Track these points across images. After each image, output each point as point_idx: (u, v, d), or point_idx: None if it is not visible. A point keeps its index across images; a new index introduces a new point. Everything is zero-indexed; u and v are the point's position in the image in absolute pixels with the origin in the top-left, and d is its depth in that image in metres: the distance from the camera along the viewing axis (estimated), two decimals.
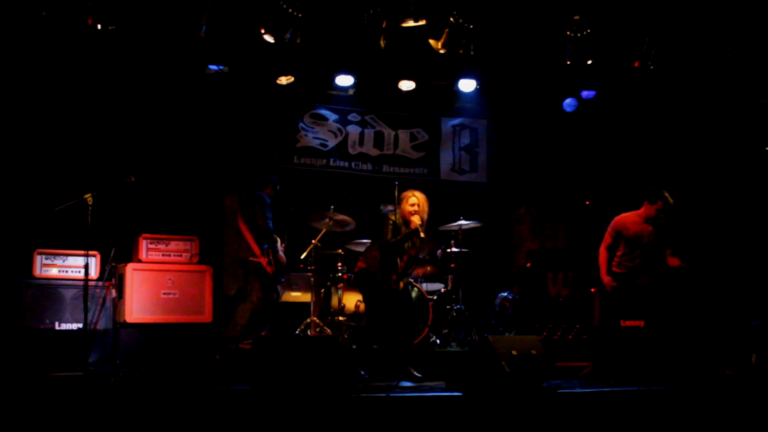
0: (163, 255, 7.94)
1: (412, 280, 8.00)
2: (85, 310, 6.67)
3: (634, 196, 7.31)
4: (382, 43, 7.35)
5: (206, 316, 7.92)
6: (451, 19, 7.39)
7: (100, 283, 7.74)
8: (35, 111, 8.01)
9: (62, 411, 5.11)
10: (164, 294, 7.82)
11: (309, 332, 7.76)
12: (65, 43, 7.05)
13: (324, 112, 9.48)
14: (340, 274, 8.05)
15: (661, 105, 9.08)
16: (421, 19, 7.30)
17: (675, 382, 6.67)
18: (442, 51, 7.53)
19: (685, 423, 6.00)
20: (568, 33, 7.66)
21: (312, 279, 8.11)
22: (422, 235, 6.85)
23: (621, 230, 7.15)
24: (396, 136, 9.73)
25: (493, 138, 10.09)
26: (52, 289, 7.59)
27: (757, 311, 8.08)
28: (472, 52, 7.54)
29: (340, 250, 8.22)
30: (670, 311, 7.43)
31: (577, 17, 7.64)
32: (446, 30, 7.45)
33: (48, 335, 7.46)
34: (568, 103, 9.34)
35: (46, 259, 7.66)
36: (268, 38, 7.14)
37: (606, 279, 7.18)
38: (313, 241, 8.12)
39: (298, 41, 7.17)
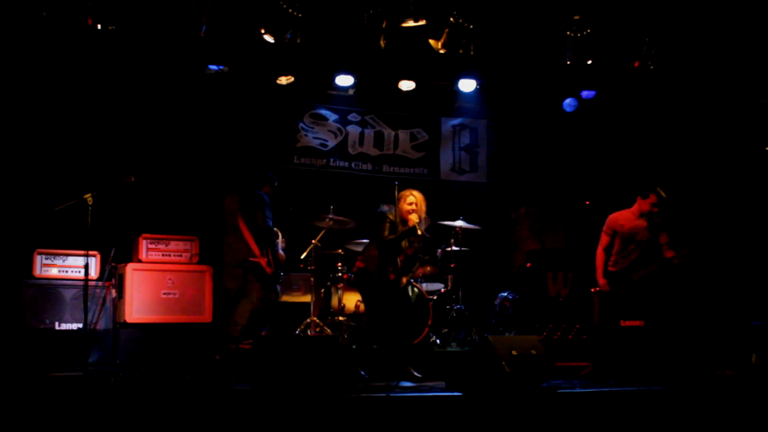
0: (163, 255, 7.94)
1: (412, 280, 8.02)
2: (85, 310, 6.67)
3: (634, 195, 7.32)
4: (382, 43, 7.35)
5: (206, 316, 7.92)
6: (451, 19, 7.39)
7: (100, 283, 7.74)
8: (35, 111, 8.01)
9: (62, 411, 5.11)
10: (164, 294, 7.82)
11: (309, 332, 7.76)
12: (65, 43, 7.05)
13: (324, 112, 9.48)
14: (340, 274, 8.05)
15: (661, 105, 9.08)
16: (421, 19, 7.30)
17: (675, 382, 6.67)
18: (442, 51, 7.53)
19: (685, 423, 6.00)
20: (568, 33, 7.66)
21: (312, 279, 8.11)
22: (420, 233, 6.87)
23: (616, 227, 7.19)
24: (396, 136, 9.73)
25: (493, 138, 10.09)
26: (52, 289, 7.59)
27: (757, 311, 8.09)
28: (472, 52, 7.54)
29: (340, 250, 8.22)
30: (666, 305, 7.47)
31: (577, 17, 7.64)
32: (446, 30, 7.45)
33: (48, 335, 7.46)
34: (568, 103, 9.34)
35: (46, 259, 7.66)
36: (268, 38, 7.14)
37: (602, 282, 7.22)
38: (313, 241, 8.12)
39: (298, 41, 7.18)
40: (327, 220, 8.10)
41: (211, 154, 8.80)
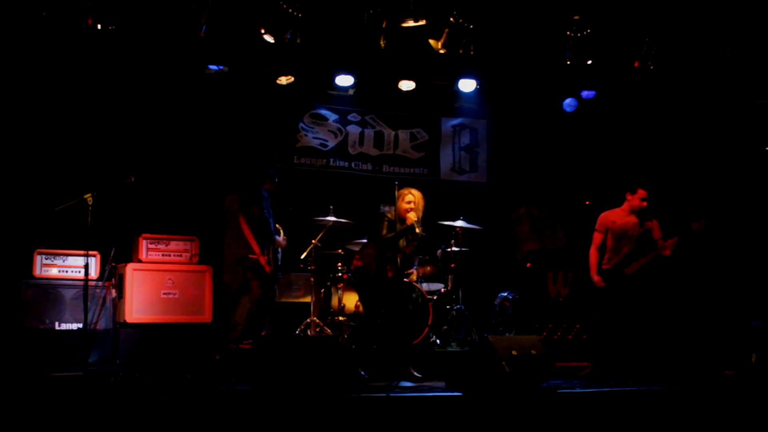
0: (163, 255, 7.94)
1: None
2: (85, 310, 6.68)
3: (623, 193, 7.36)
4: (382, 43, 7.35)
5: (206, 316, 7.93)
6: (451, 19, 7.39)
7: (100, 283, 7.74)
8: (35, 111, 8.01)
9: (62, 411, 5.11)
10: (164, 294, 7.83)
11: (309, 332, 7.75)
12: (65, 43, 7.05)
13: (324, 112, 9.47)
14: (340, 274, 8.04)
15: (661, 105, 9.08)
16: (421, 19, 7.30)
17: (675, 382, 6.67)
18: (442, 51, 7.53)
19: (685, 423, 6.00)
20: (568, 33, 7.66)
21: (312, 279, 8.11)
22: (418, 231, 6.88)
23: (608, 224, 7.30)
24: (396, 136, 9.73)
25: (493, 138, 10.09)
26: (52, 289, 7.59)
27: (757, 311, 8.09)
28: (472, 52, 7.54)
29: (340, 250, 8.21)
30: (663, 302, 7.49)
31: (577, 17, 7.64)
32: (446, 30, 7.45)
33: (48, 335, 7.46)
34: (568, 103, 9.34)
35: (46, 259, 7.66)
36: (268, 38, 7.14)
37: (596, 278, 7.27)
38: (313, 241, 8.12)
39: (298, 41, 7.17)
40: (327, 220, 8.09)
41: (211, 154, 8.80)
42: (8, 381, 6.61)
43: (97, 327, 7.63)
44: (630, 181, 7.32)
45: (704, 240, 7.60)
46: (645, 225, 7.19)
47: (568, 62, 7.75)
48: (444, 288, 8.55)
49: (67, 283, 7.63)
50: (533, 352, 6.28)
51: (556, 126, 9.80)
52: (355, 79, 8.84)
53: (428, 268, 8.64)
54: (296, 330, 7.82)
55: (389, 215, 7.01)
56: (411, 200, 6.97)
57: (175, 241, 8.02)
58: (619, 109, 9.43)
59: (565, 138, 9.86)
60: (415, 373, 6.85)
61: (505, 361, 6.10)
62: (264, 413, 5.37)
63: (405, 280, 7.72)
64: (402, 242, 7.00)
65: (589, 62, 7.78)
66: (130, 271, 7.73)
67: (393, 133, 9.72)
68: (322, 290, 8.22)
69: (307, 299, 8.18)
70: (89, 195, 6.59)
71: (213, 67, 8.30)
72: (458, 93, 9.34)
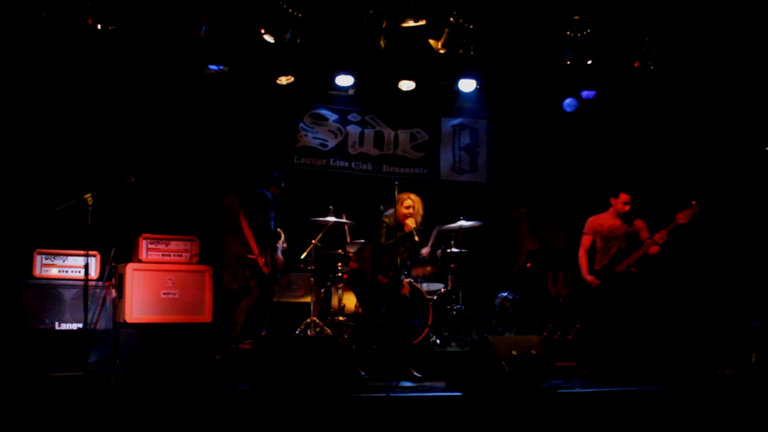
0: (163, 255, 7.94)
1: (411, 280, 8.03)
2: (85, 310, 6.67)
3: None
4: (382, 43, 7.35)
5: (206, 316, 7.93)
6: (451, 19, 7.39)
7: (100, 283, 7.74)
8: (35, 111, 8.01)
9: (62, 411, 5.11)
10: (164, 294, 7.83)
11: (309, 332, 7.76)
12: (65, 43, 7.05)
13: (324, 112, 9.47)
14: (340, 274, 8.05)
15: (661, 105, 9.07)
16: (421, 19, 7.29)
17: (675, 382, 6.67)
18: (442, 51, 7.52)
19: (685, 423, 6.00)
20: (568, 33, 7.66)
21: (312, 279, 8.11)
22: (417, 239, 6.91)
23: (596, 227, 7.42)
24: (396, 136, 9.73)
25: (493, 138, 10.08)
26: (52, 289, 7.60)
27: (757, 311, 8.09)
28: (472, 52, 7.53)
29: (340, 250, 8.22)
30: (659, 297, 7.53)
31: (577, 17, 7.64)
32: (446, 30, 7.44)
33: (48, 335, 7.47)
34: (568, 103, 9.33)
35: (46, 259, 7.66)
36: (268, 38, 7.14)
37: (589, 278, 7.33)
38: (313, 241, 8.12)
39: (298, 41, 7.17)
40: (327, 220, 8.09)
41: (211, 154, 8.80)
42: (8, 381, 6.61)
43: (97, 327, 7.62)
44: (613, 185, 7.45)
45: (699, 236, 7.62)
46: (633, 225, 7.26)
47: (568, 62, 7.75)
48: (444, 288, 8.55)
49: (67, 283, 7.63)
50: (533, 352, 6.28)
51: (556, 126, 9.79)
52: (355, 79, 8.83)
53: (428, 268, 8.64)
54: (296, 330, 7.82)
55: (387, 220, 7.00)
56: (410, 205, 6.97)
57: (175, 241, 8.02)
58: (619, 109, 9.42)
59: (565, 138, 9.85)
60: (415, 373, 6.85)
61: (505, 361, 6.11)
62: (264, 413, 5.37)
63: (410, 280, 7.76)
64: (400, 248, 7.02)
65: (589, 62, 7.78)
66: (130, 271, 7.73)
67: (393, 133, 9.71)
68: (322, 290, 8.23)
69: (307, 299, 8.18)
70: (89, 195, 6.59)
71: (213, 67, 8.30)
72: (458, 93, 9.33)
